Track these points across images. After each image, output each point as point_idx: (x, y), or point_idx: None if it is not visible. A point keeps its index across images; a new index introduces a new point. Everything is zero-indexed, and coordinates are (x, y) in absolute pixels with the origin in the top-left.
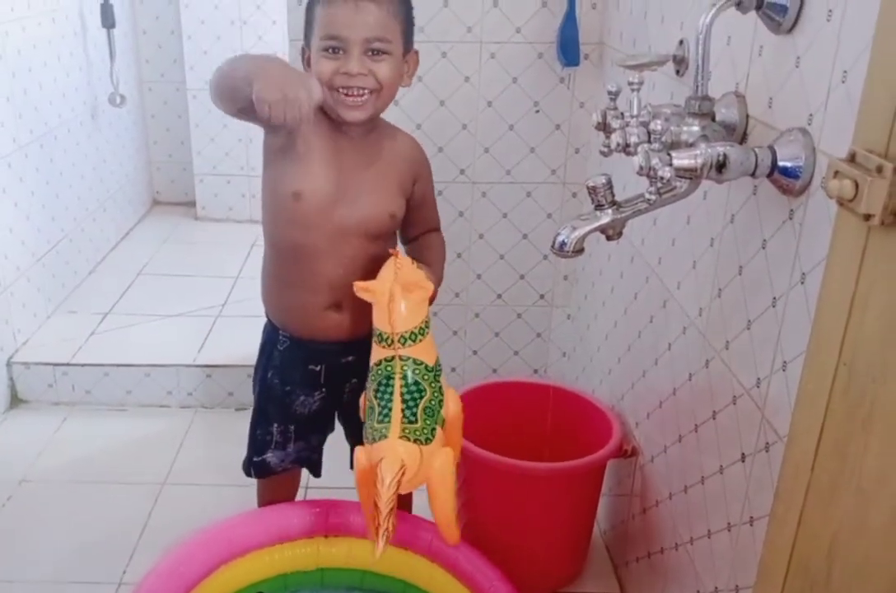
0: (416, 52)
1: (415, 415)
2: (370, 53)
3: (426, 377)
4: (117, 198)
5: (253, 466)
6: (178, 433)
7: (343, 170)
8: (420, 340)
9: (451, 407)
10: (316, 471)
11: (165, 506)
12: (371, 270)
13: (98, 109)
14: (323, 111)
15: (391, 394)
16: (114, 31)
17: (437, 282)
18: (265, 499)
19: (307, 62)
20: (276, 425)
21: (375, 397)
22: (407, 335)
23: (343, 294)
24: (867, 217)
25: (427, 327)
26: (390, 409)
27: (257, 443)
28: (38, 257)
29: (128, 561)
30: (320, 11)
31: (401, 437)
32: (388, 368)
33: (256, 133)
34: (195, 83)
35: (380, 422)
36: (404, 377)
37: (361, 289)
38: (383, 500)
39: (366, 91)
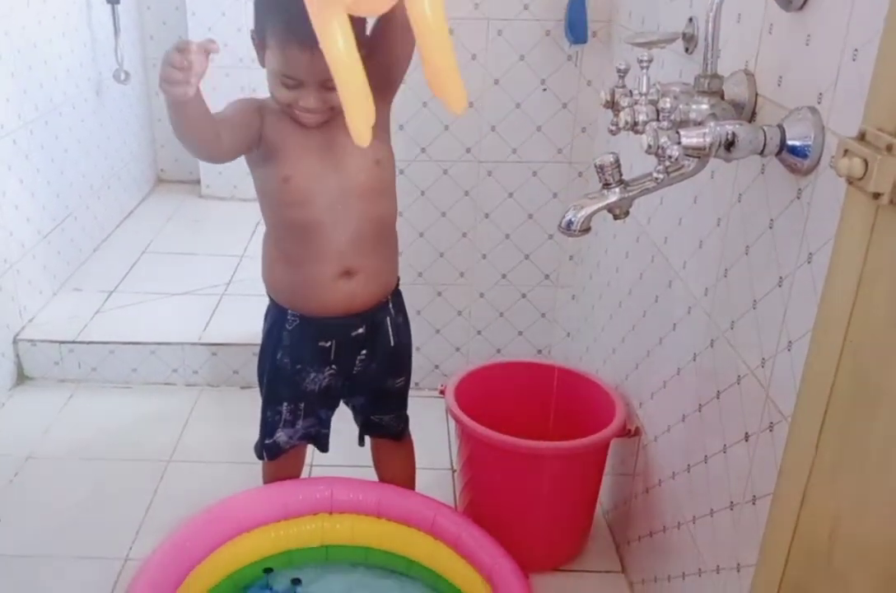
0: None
1: None
2: (325, 88)
3: None
4: (122, 175)
5: (265, 448)
6: (183, 411)
7: (321, 144)
8: None
9: None
10: (323, 446)
11: (171, 483)
12: (378, 231)
13: (103, 86)
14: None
15: None
16: (118, 7)
17: None
18: (271, 478)
19: (259, 47)
20: (285, 404)
21: None
22: None
23: (352, 259)
24: (876, 195)
25: None
26: None
27: (268, 425)
28: (43, 234)
29: (134, 537)
30: (274, 46)
31: None
32: None
33: None
34: None
35: None
36: None
37: None
38: None
39: (321, 113)
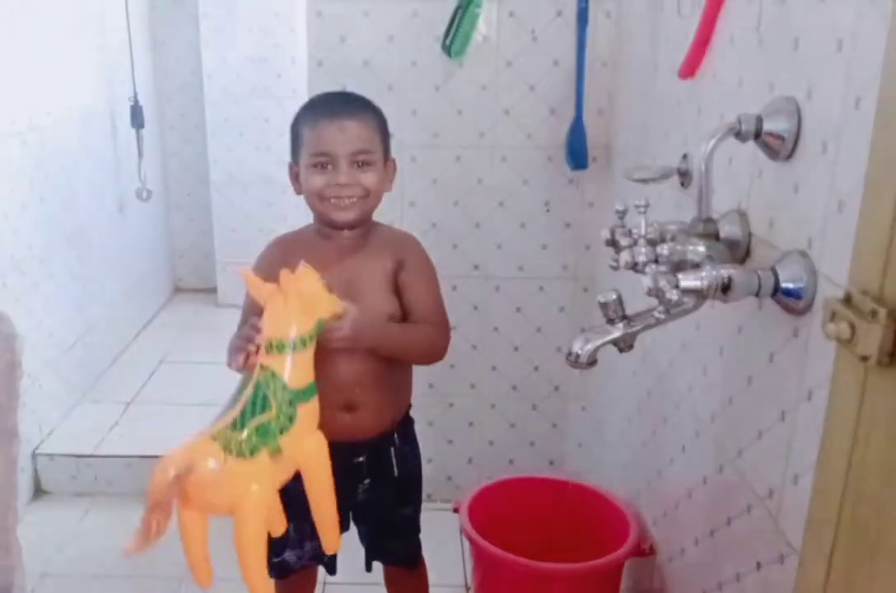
0: (394, 160)
1: (244, 425)
2: (356, 165)
3: (278, 395)
4: (140, 286)
5: (272, 567)
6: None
7: (335, 284)
8: (285, 353)
9: (308, 448)
10: (331, 569)
11: None
12: (383, 370)
13: (125, 204)
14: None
15: (240, 397)
16: (142, 131)
17: (386, 336)
18: None
19: (295, 177)
20: (292, 523)
21: (235, 396)
22: (274, 342)
23: (355, 395)
24: (864, 358)
25: (302, 345)
26: (230, 411)
27: (275, 544)
28: (64, 349)
29: None
30: (307, 133)
31: (213, 438)
32: (255, 373)
33: (278, 225)
34: (218, 176)
35: (217, 420)
36: (257, 386)
37: (246, 277)
38: (148, 492)
39: (354, 198)
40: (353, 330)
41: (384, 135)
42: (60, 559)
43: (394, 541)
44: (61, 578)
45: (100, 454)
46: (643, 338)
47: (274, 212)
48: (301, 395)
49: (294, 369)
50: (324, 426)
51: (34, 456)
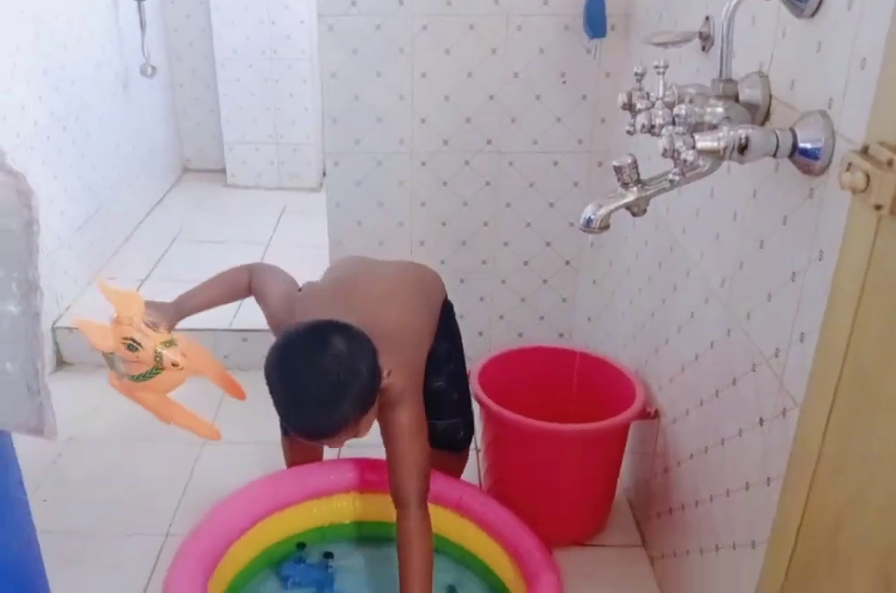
0: (388, 373)
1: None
2: None
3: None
4: (149, 166)
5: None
6: (216, 394)
7: None
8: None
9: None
10: None
11: (206, 464)
12: None
13: (130, 80)
14: None
15: None
16: (144, 3)
17: None
18: (286, 453)
19: None
20: None
21: None
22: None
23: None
24: (878, 207)
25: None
26: None
27: None
28: (76, 226)
29: (173, 515)
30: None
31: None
32: None
33: (284, 102)
34: (223, 52)
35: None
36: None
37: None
38: None
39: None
40: None
41: (367, 407)
42: (85, 425)
43: (437, 419)
44: (86, 442)
45: None
46: (656, 206)
47: (280, 89)
48: (139, 378)
49: (119, 365)
50: None
51: (54, 329)
